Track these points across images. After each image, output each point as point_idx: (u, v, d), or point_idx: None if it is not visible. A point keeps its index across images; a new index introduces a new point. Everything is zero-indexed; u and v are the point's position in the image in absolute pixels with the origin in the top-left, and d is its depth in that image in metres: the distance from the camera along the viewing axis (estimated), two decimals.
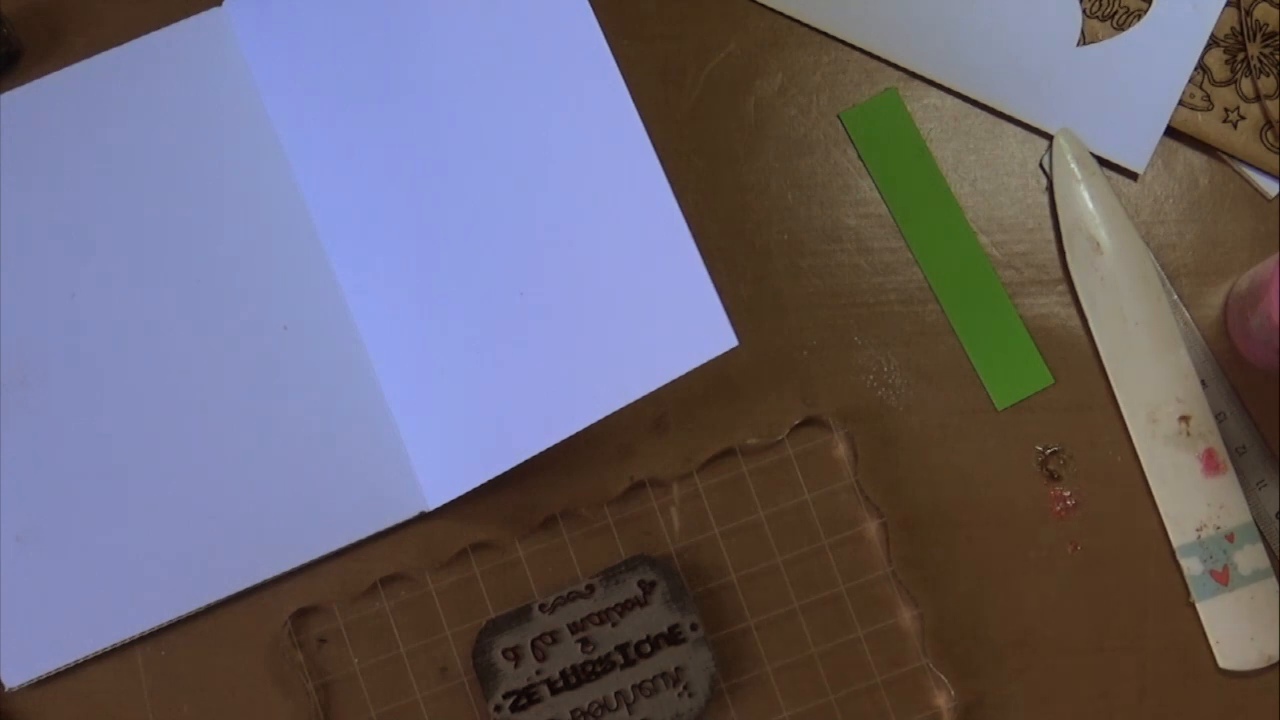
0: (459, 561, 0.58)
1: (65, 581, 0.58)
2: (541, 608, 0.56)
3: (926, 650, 0.57)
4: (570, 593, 0.56)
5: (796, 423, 0.59)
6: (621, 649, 0.56)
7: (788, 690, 0.57)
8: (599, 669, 0.56)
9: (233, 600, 0.58)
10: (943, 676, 0.57)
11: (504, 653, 0.56)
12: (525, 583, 0.58)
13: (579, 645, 0.56)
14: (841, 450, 0.59)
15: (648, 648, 0.56)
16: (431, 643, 0.57)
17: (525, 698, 0.56)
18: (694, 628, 0.56)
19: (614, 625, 0.56)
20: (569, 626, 0.56)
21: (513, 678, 0.56)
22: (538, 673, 0.56)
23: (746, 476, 0.58)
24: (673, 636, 0.56)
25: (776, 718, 0.57)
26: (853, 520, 0.58)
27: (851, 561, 0.58)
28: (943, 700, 0.57)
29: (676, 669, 0.56)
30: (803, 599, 0.58)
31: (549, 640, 0.56)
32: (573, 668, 0.56)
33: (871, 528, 0.58)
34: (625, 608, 0.56)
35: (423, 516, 0.58)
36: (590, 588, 0.56)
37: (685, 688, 0.56)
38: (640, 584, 0.56)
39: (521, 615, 0.56)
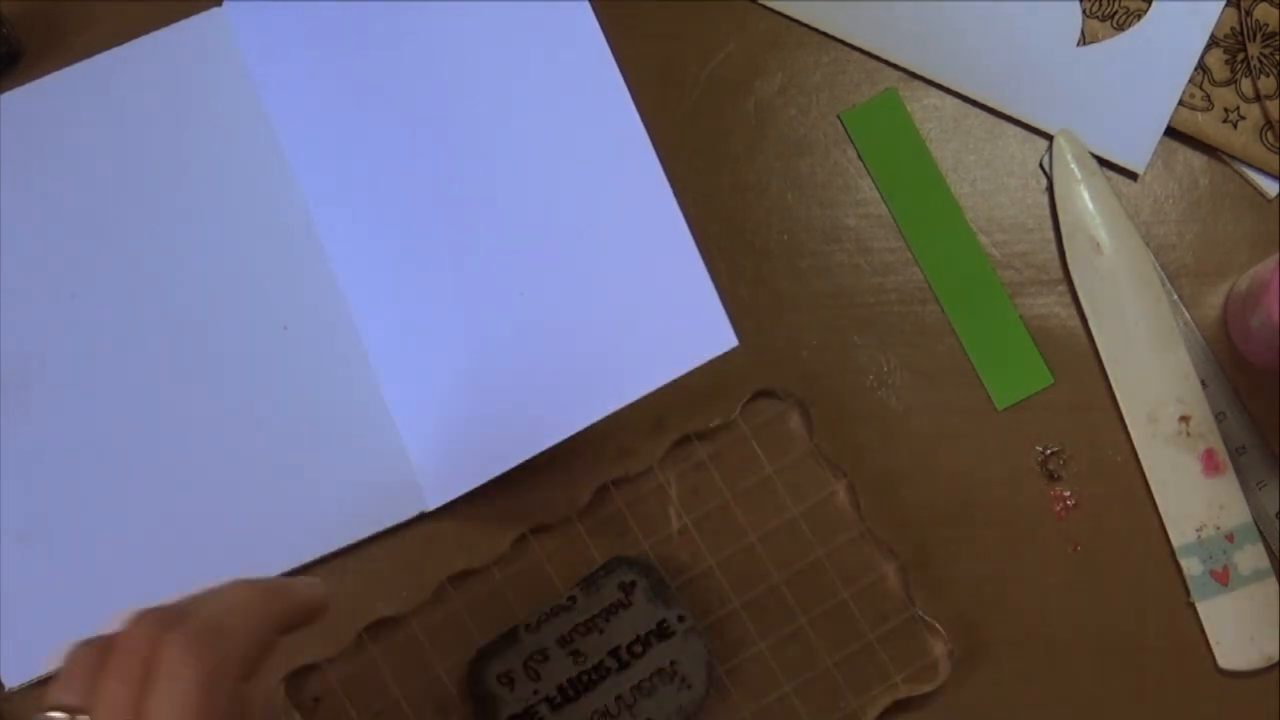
0: (439, 596, 0.58)
1: (65, 581, 0.58)
2: (528, 628, 0.56)
3: (913, 600, 0.57)
4: (553, 607, 0.56)
5: (746, 399, 0.58)
6: (613, 654, 0.56)
7: (785, 664, 0.57)
8: (595, 677, 0.56)
9: None
10: (934, 622, 0.57)
11: (498, 679, 0.56)
12: (507, 605, 0.58)
13: (570, 658, 0.56)
14: (795, 419, 0.59)
15: (639, 648, 0.56)
16: (426, 682, 0.57)
17: None
18: (681, 619, 0.56)
19: (601, 632, 0.56)
20: (557, 641, 0.56)
21: (511, 702, 0.56)
22: (535, 693, 0.56)
23: (707, 462, 0.58)
24: (662, 632, 0.56)
25: (778, 693, 0.57)
26: (819, 485, 0.58)
27: (825, 526, 0.58)
28: (939, 647, 0.57)
29: (671, 663, 0.56)
30: (783, 571, 0.58)
31: (540, 659, 0.56)
32: (569, 681, 0.56)
33: (839, 490, 0.58)
34: (610, 612, 0.56)
35: (423, 516, 0.58)
36: (572, 599, 0.56)
37: (683, 680, 0.56)
38: (620, 586, 0.56)
39: (509, 639, 0.56)
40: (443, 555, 0.58)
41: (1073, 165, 0.60)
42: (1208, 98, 0.61)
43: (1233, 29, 0.61)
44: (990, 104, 0.61)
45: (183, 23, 0.62)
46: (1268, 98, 0.61)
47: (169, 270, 0.60)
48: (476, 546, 0.58)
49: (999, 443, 0.59)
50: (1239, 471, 0.58)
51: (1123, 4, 0.61)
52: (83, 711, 0.42)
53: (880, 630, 0.57)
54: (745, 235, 0.61)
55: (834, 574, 0.58)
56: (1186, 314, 0.60)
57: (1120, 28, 0.61)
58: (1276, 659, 0.57)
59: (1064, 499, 0.59)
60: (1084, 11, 0.61)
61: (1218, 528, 0.58)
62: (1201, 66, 0.61)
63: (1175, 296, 0.60)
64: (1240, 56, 0.61)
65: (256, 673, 0.43)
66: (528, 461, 0.54)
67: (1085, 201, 0.60)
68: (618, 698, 0.56)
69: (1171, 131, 0.61)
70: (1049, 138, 0.61)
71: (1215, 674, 0.58)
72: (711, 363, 0.50)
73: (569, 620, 0.56)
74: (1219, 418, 0.59)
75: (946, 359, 0.60)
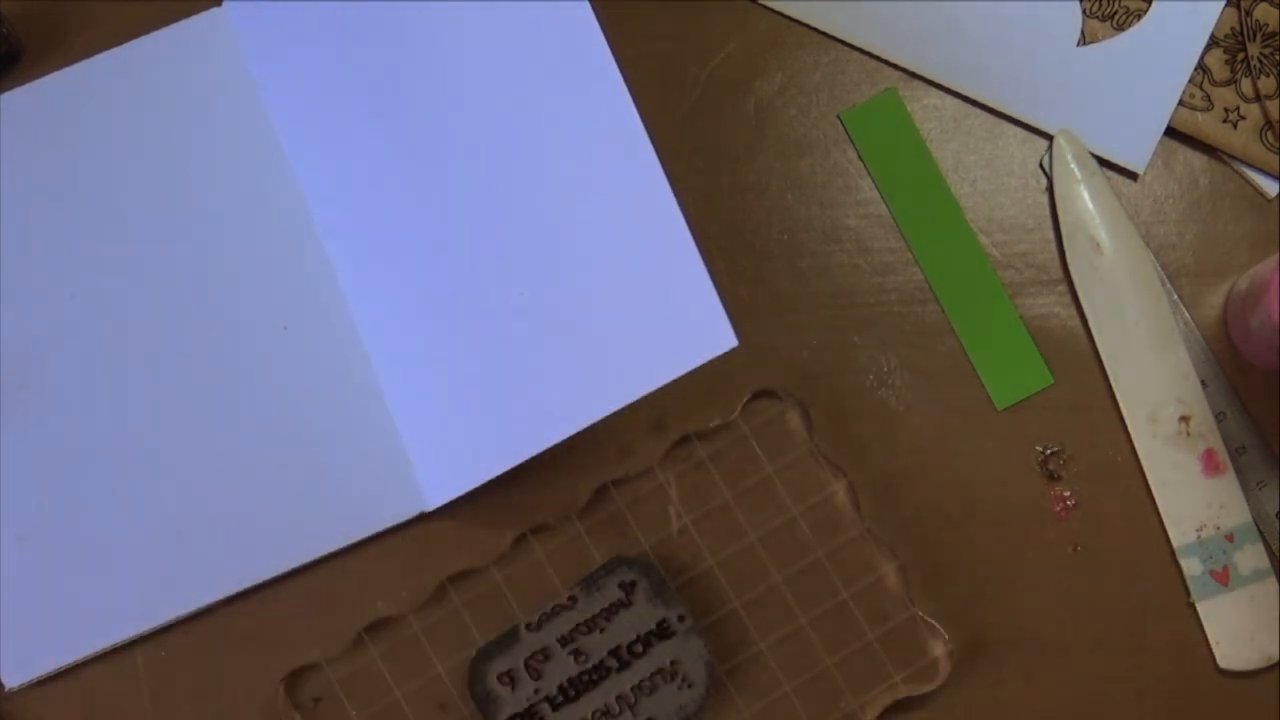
0: (439, 596, 0.58)
1: (65, 581, 0.58)
2: (528, 627, 0.56)
3: (913, 600, 0.57)
4: (554, 607, 0.56)
5: (747, 399, 0.58)
6: (614, 653, 0.56)
7: (785, 663, 0.57)
8: (595, 677, 0.56)
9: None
10: (934, 622, 0.57)
11: (499, 678, 0.56)
12: (507, 605, 0.58)
13: (571, 657, 0.56)
14: (795, 419, 0.59)
15: (640, 647, 0.56)
16: (426, 682, 0.57)
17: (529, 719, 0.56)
18: (681, 619, 0.56)
19: (602, 631, 0.56)
20: (558, 640, 0.56)
21: (512, 702, 0.56)
22: (536, 692, 0.56)
23: (707, 461, 0.58)
24: (662, 631, 0.56)
25: (778, 693, 0.57)
26: (819, 485, 0.58)
27: (824, 526, 0.58)
28: (939, 647, 0.57)
29: (672, 663, 0.56)
30: (783, 571, 0.58)
31: (541, 658, 0.56)
32: (569, 680, 0.56)
33: (839, 490, 0.58)
34: (610, 612, 0.56)
35: (423, 516, 0.58)
36: (572, 598, 0.56)
37: (684, 679, 0.56)
38: (621, 585, 0.56)
39: (510, 638, 0.56)
40: (443, 555, 0.58)
41: (1073, 165, 0.60)
42: (1208, 98, 0.61)
43: (1233, 29, 0.61)
44: (990, 104, 0.61)
45: (183, 23, 0.62)
46: (1268, 98, 0.61)
47: (169, 270, 0.60)
48: (476, 546, 0.58)
49: (999, 443, 0.59)
50: (1239, 471, 0.58)
51: (1123, 4, 0.61)
52: None
53: (880, 630, 0.57)
54: (745, 235, 0.61)
55: (834, 574, 0.58)
56: (1186, 314, 0.60)
57: (1120, 28, 0.61)
58: (1276, 659, 0.57)
59: (1064, 499, 0.59)
60: (1084, 11, 0.61)
61: (1218, 528, 0.58)
62: (1201, 66, 0.61)
63: (1175, 296, 0.60)
64: (1240, 56, 0.61)
65: None
66: (528, 461, 0.54)
67: (1085, 201, 0.60)
68: (618, 697, 0.56)
69: (1171, 131, 0.61)
70: (1049, 138, 0.61)
71: (1215, 674, 0.58)
72: (711, 363, 0.50)
73: (570, 619, 0.56)
74: (1219, 418, 0.59)
75: (946, 359, 0.60)
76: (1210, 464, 0.58)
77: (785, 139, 0.61)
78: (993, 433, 0.59)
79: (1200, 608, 0.58)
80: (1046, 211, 0.61)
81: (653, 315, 0.52)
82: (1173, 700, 0.58)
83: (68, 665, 0.58)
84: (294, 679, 0.57)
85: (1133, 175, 0.61)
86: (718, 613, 0.58)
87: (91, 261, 0.60)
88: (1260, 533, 0.58)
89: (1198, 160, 0.61)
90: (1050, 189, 0.61)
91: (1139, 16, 0.61)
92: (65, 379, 0.59)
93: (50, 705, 0.58)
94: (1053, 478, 0.59)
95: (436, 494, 0.58)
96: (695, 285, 0.50)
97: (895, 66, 0.62)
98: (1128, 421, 0.59)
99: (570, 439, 0.53)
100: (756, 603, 0.58)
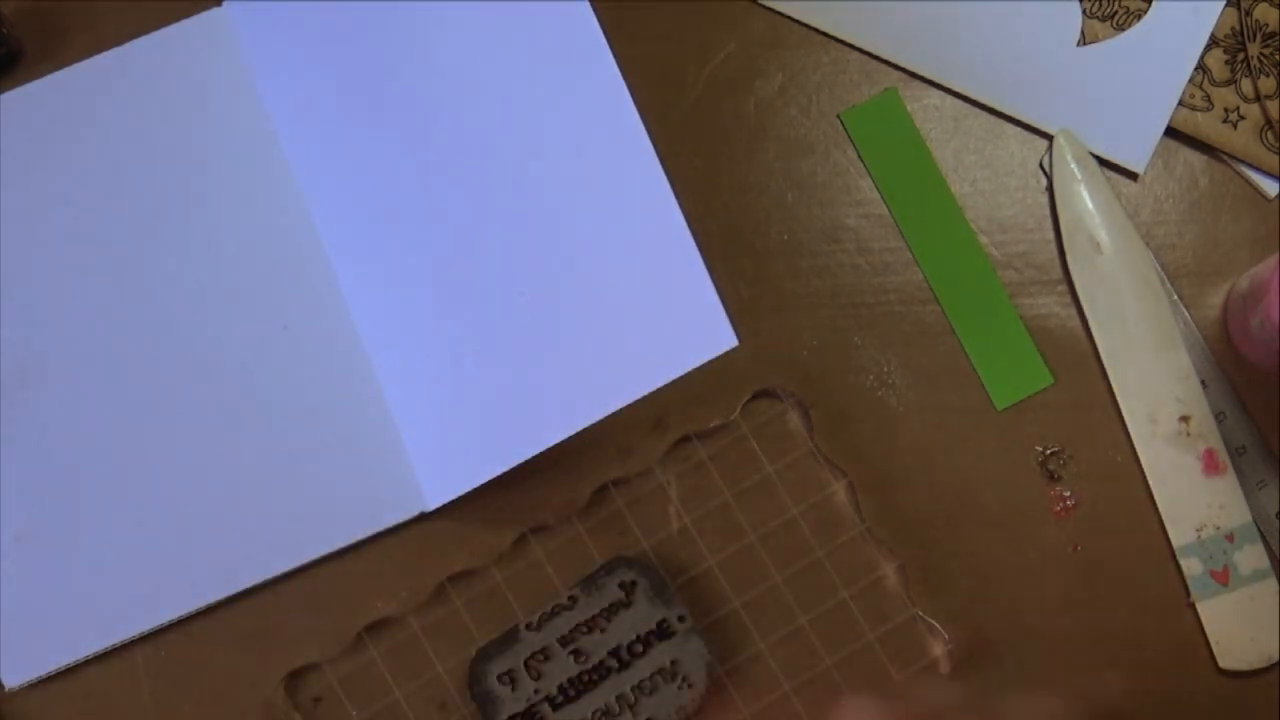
0: (439, 596, 0.58)
1: (65, 581, 0.58)
2: (528, 627, 0.56)
3: (913, 600, 0.57)
4: (554, 607, 0.56)
5: (747, 399, 0.58)
6: (614, 653, 0.56)
7: (785, 664, 0.57)
8: (595, 677, 0.56)
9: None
10: (934, 622, 0.57)
11: (499, 678, 0.56)
12: (508, 605, 0.58)
13: (571, 657, 0.56)
14: (795, 419, 0.59)
15: (640, 647, 0.56)
16: (426, 682, 0.57)
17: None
18: (681, 619, 0.56)
19: (602, 631, 0.56)
20: (559, 640, 0.56)
21: (512, 702, 0.56)
22: (536, 692, 0.56)
23: (707, 461, 0.58)
24: (662, 631, 0.56)
25: (778, 692, 0.57)
26: (819, 485, 0.58)
27: (825, 526, 0.58)
28: (939, 647, 0.57)
29: (672, 663, 0.56)
30: (783, 571, 0.58)
31: (541, 658, 0.56)
32: (569, 680, 0.56)
33: (839, 490, 0.58)
34: (610, 612, 0.56)
35: (422, 516, 0.58)
36: (572, 598, 0.56)
37: (684, 679, 0.56)
38: (621, 585, 0.56)
39: (510, 638, 0.56)
40: (443, 555, 0.58)
41: (1073, 165, 0.60)
42: (1208, 98, 0.61)
43: (1233, 29, 0.61)
44: (990, 104, 0.61)
45: (183, 23, 0.62)
46: (1268, 98, 0.61)
47: (169, 270, 0.60)
48: (476, 546, 0.58)
49: (999, 443, 0.59)
50: (1239, 471, 0.58)
51: (1123, 4, 0.61)
52: None
53: (880, 630, 0.57)
54: (745, 235, 0.61)
55: (834, 574, 0.58)
56: (1186, 314, 0.60)
57: (1120, 28, 0.61)
58: (1276, 659, 0.57)
59: (1064, 499, 0.59)
60: (1084, 11, 0.61)
61: (1218, 528, 0.58)
62: (1201, 66, 0.61)
63: (1175, 296, 0.60)
64: (1240, 56, 0.61)
65: None
66: (528, 461, 0.54)
67: (1085, 201, 0.60)
68: (619, 697, 0.56)
69: (1171, 131, 0.61)
70: (1049, 138, 0.61)
71: (1215, 674, 0.58)
72: (711, 363, 0.50)
73: (570, 619, 0.56)
74: (1219, 418, 0.59)
75: (946, 359, 0.60)
76: (1210, 464, 0.58)
77: (785, 139, 0.61)
78: (993, 433, 0.59)
79: (1200, 608, 0.58)
80: (1046, 211, 0.61)
81: (653, 315, 0.52)
82: (1173, 700, 0.58)
83: (68, 665, 0.58)
84: (294, 679, 0.57)
85: (1133, 175, 0.61)
86: (718, 613, 0.58)
87: (91, 261, 0.60)
88: (1260, 533, 0.58)
89: (1198, 160, 0.61)
90: (1050, 189, 0.61)
91: (1139, 16, 0.61)
92: (65, 378, 0.59)
93: (50, 705, 0.58)
94: (1053, 478, 0.59)
95: (436, 494, 0.58)
96: (695, 285, 0.50)
97: (895, 66, 0.62)
98: (1128, 421, 0.59)
99: (570, 439, 0.53)
100: (756, 603, 0.58)
